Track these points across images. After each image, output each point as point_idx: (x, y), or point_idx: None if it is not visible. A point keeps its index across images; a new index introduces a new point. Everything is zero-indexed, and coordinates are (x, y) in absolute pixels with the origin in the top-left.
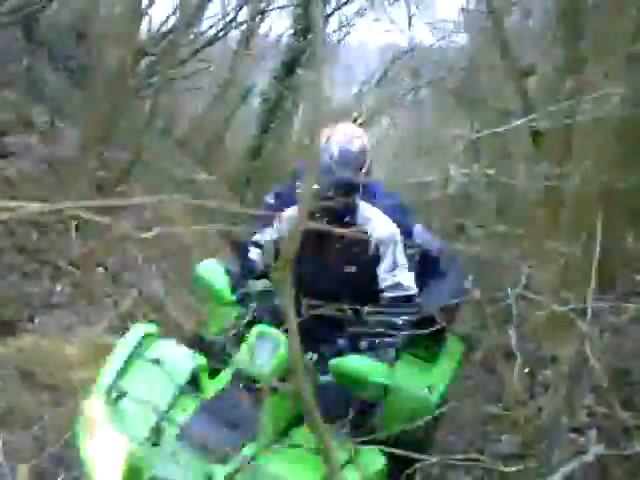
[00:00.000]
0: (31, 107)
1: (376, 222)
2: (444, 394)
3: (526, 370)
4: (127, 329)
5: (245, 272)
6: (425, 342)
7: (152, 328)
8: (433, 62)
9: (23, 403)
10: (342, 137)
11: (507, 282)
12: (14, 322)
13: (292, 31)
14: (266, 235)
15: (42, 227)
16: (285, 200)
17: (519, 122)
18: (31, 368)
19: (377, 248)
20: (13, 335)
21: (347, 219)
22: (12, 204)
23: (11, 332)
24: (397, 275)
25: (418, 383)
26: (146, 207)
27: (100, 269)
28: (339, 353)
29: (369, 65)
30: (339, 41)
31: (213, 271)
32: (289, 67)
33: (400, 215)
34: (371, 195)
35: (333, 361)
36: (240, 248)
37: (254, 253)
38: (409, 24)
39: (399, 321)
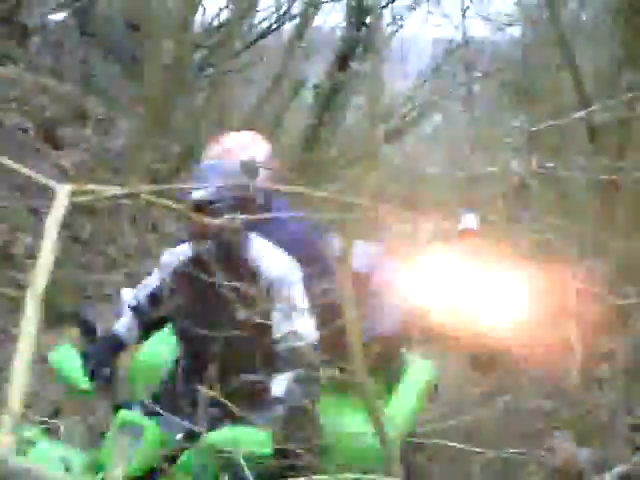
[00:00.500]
0: (85, 99)
1: (268, 258)
2: (410, 422)
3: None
4: None
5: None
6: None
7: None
8: (487, 55)
9: None
10: (216, 151)
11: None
12: (70, 312)
13: (345, 24)
14: (140, 291)
15: (96, 218)
16: None
17: (576, 115)
18: None
19: (269, 290)
20: (70, 325)
21: (234, 256)
22: (89, 187)
23: (67, 323)
24: (294, 322)
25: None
26: None
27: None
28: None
29: (423, 58)
30: (392, 34)
31: (65, 358)
32: (343, 60)
33: (307, 245)
34: (268, 223)
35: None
36: (84, 328)
37: (122, 323)
38: (463, 16)
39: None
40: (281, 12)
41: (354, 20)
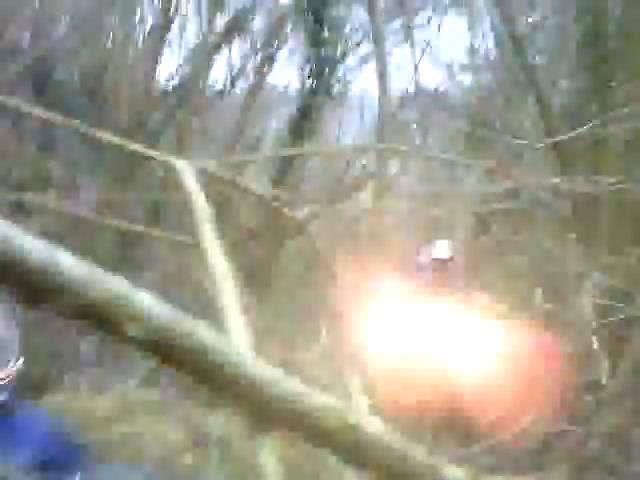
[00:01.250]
0: (47, 163)
1: None
2: None
3: None
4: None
5: None
6: None
7: None
8: (441, 105)
9: None
10: None
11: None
12: (45, 380)
13: (303, 76)
14: None
15: None
16: None
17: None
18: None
19: None
20: (45, 393)
21: None
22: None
23: (43, 390)
24: None
25: None
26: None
27: None
28: None
29: (374, 113)
30: (342, 92)
31: None
32: (303, 114)
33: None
34: None
35: None
36: None
37: None
38: (415, 68)
39: None
40: (235, 72)
41: (311, 74)
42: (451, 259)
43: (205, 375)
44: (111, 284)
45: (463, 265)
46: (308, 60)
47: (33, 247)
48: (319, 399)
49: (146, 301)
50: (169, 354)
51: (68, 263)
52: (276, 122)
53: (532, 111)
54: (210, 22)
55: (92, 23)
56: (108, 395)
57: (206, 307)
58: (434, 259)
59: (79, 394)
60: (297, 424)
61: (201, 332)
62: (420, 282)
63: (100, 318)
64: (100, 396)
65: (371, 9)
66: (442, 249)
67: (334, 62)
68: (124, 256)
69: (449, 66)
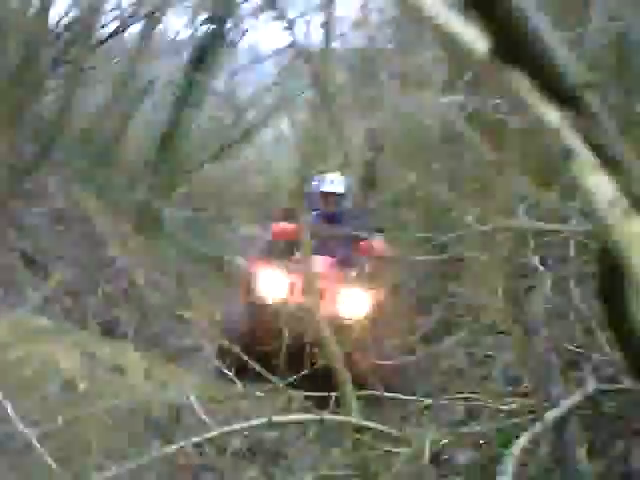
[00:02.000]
0: None
1: None
2: None
3: None
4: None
5: None
6: None
7: None
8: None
9: None
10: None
11: None
12: None
13: (202, 20)
14: None
15: None
16: None
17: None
18: None
19: None
20: None
21: None
22: None
23: None
24: None
25: None
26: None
27: (15, 254)
28: None
29: (266, 66)
30: (235, 42)
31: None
32: (199, 57)
33: None
34: None
35: None
36: None
37: None
38: (307, 25)
39: None
40: (128, 14)
41: (209, 16)
42: (342, 196)
43: None
44: None
45: (358, 206)
46: (203, 6)
47: None
48: None
49: None
50: None
51: None
52: (168, 69)
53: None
54: None
55: None
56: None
57: (98, 243)
58: (322, 192)
59: None
60: None
61: None
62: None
63: None
64: None
65: None
66: (333, 182)
67: (229, 9)
68: (13, 190)
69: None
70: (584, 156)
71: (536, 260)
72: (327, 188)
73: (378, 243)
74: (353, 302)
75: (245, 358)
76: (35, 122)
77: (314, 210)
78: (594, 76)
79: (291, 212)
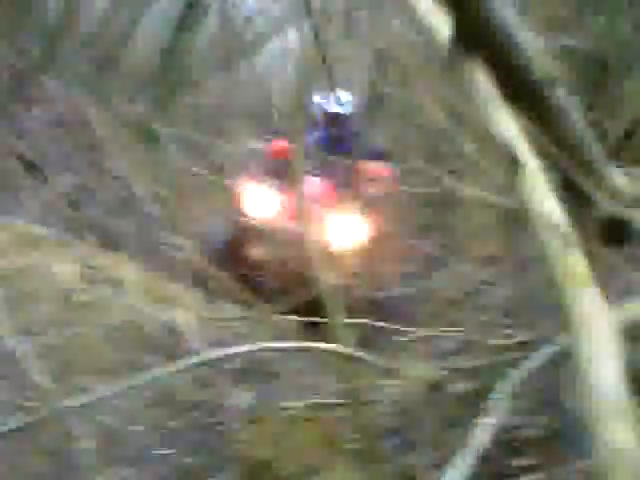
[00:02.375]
0: None
1: None
2: None
3: None
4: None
5: None
6: None
7: None
8: None
9: None
10: None
11: None
12: None
13: None
14: None
15: None
16: None
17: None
18: None
19: None
20: None
21: None
22: None
23: None
24: None
25: None
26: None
27: (14, 159)
28: None
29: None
30: None
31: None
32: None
33: None
34: None
35: None
36: None
37: None
38: None
39: None
40: None
41: None
42: (347, 116)
43: None
44: None
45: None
46: None
47: None
48: None
49: None
50: None
51: None
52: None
53: None
54: None
55: None
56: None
57: (98, 150)
58: (326, 112)
59: None
60: None
61: None
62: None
63: None
64: None
65: None
66: (339, 102)
67: None
68: (14, 94)
69: None
70: (533, 169)
71: None
72: (331, 108)
73: (380, 167)
74: (348, 228)
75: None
76: (38, 24)
77: (318, 129)
78: (560, 72)
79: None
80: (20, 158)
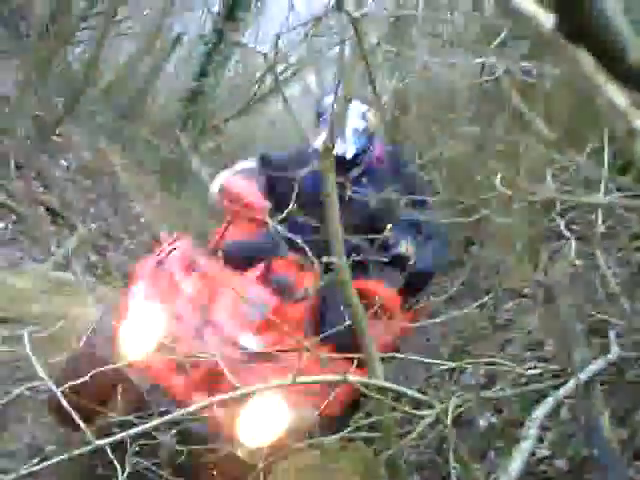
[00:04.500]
0: None
1: None
2: None
3: None
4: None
5: None
6: None
7: None
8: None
9: None
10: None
11: None
12: None
13: None
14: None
15: None
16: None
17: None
18: None
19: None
20: None
21: None
22: None
23: None
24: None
25: None
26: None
27: (41, 207)
28: None
29: (297, 17)
30: None
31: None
32: (230, 9)
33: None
34: None
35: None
36: None
37: None
38: None
39: None
40: None
41: None
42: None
43: None
44: None
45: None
46: None
47: None
48: None
49: None
50: None
51: None
52: (197, 22)
53: None
54: None
55: None
56: (23, 274)
57: (120, 195)
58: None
59: None
60: None
61: None
62: None
63: None
64: (14, 275)
65: None
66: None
67: None
68: (40, 143)
69: None
70: None
71: (562, 224)
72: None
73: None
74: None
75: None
76: (62, 75)
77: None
78: None
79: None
80: (46, 206)
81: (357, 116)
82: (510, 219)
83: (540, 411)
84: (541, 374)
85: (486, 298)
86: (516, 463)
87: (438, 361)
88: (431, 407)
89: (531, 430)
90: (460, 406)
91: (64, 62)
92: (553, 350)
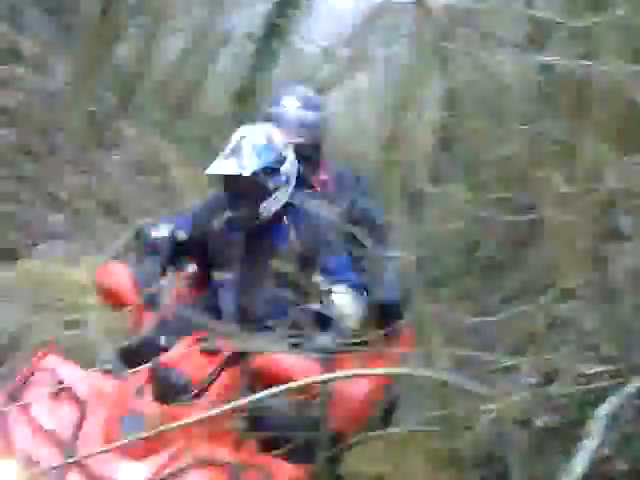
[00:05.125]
0: (19, 40)
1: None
2: None
3: None
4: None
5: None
6: None
7: None
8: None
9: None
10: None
11: None
12: (15, 249)
13: None
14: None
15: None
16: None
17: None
18: (39, 292)
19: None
20: (15, 261)
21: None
22: None
23: (13, 258)
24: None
25: None
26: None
27: (95, 201)
28: None
29: (343, 19)
30: None
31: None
32: (280, 8)
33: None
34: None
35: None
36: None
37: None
38: None
39: None
40: None
41: None
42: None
43: None
44: None
45: None
46: None
47: None
48: None
49: None
50: None
51: None
52: (247, 19)
53: None
54: None
55: None
56: (78, 267)
57: (168, 188)
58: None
59: (50, 264)
60: None
61: None
62: None
63: None
64: (71, 267)
65: None
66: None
67: None
68: (94, 136)
69: None
70: None
71: (628, 222)
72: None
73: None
74: None
75: None
76: (115, 72)
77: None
78: None
79: None
80: (100, 200)
81: (260, 134)
82: (570, 217)
83: (603, 410)
84: (601, 374)
85: (542, 298)
86: (581, 461)
87: (497, 358)
88: (492, 402)
89: (596, 428)
90: (522, 403)
91: (115, 58)
92: (610, 351)
